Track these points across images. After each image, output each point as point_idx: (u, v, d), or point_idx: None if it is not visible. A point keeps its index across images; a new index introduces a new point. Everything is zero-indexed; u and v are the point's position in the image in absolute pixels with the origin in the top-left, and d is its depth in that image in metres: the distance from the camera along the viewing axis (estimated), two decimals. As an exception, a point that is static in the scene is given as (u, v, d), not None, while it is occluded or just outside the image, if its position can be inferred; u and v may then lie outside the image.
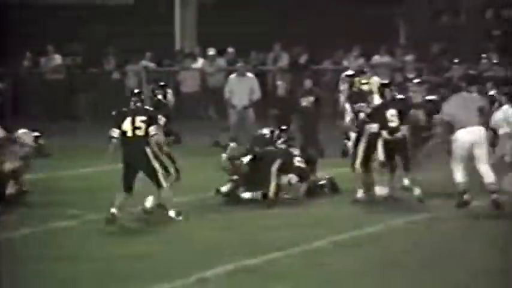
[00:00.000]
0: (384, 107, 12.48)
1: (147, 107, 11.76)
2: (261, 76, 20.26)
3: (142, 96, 11.66)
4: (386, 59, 22.18)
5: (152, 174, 11.36)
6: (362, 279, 8.61)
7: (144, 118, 11.42)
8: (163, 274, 8.83)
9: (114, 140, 11.42)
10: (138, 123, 11.40)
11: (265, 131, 13.29)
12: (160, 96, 12.40)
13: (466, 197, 11.61)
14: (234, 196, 12.63)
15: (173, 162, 12.10)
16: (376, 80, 12.93)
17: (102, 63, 24.48)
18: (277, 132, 13.24)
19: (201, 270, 8.85)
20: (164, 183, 11.42)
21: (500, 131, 11.26)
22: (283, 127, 13.61)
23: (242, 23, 24.97)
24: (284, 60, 22.93)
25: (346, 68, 18.16)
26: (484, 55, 19.94)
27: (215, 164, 13.05)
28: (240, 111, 18.10)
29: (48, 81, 23.92)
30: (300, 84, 18.52)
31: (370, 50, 22.42)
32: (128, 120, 11.42)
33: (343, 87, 13.02)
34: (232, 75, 18.58)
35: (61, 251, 10.04)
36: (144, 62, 23.85)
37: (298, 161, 12.78)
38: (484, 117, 11.83)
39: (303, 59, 22.48)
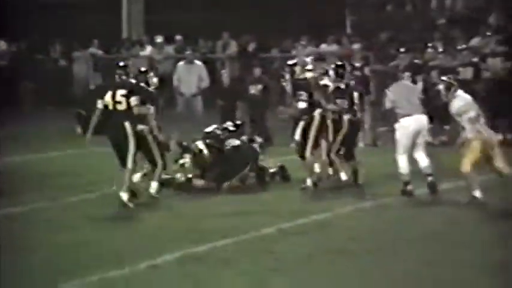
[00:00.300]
0: (352, 88, 12.83)
1: (132, 81, 11.49)
2: (209, 64, 20.25)
3: (128, 70, 11.47)
4: (333, 47, 22.32)
5: (124, 150, 11.17)
6: (308, 266, 8.70)
7: (124, 92, 11.27)
8: (113, 261, 8.82)
9: (97, 113, 11.23)
10: (118, 98, 11.24)
11: (214, 127, 13.21)
12: (142, 84, 11.75)
13: (409, 187, 11.86)
14: (187, 186, 12.65)
15: (162, 150, 11.79)
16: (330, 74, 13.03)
17: (48, 50, 24.22)
18: (229, 127, 13.21)
19: (151, 258, 8.87)
20: (130, 164, 11.27)
21: (469, 115, 11.39)
22: (238, 122, 13.69)
23: (190, 11, 24.90)
24: (233, 48, 22.94)
25: (294, 57, 18.26)
26: (429, 44, 20.14)
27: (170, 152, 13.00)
28: (188, 99, 18.07)
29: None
30: (249, 72, 18.55)
31: (318, 38, 22.54)
32: (109, 93, 11.29)
33: (288, 76, 13.11)
34: (181, 63, 18.53)
35: (7, 239, 9.94)
36: (92, 49, 23.68)
37: (260, 160, 12.91)
38: (425, 107, 12.09)
39: (251, 47, 22.52)
